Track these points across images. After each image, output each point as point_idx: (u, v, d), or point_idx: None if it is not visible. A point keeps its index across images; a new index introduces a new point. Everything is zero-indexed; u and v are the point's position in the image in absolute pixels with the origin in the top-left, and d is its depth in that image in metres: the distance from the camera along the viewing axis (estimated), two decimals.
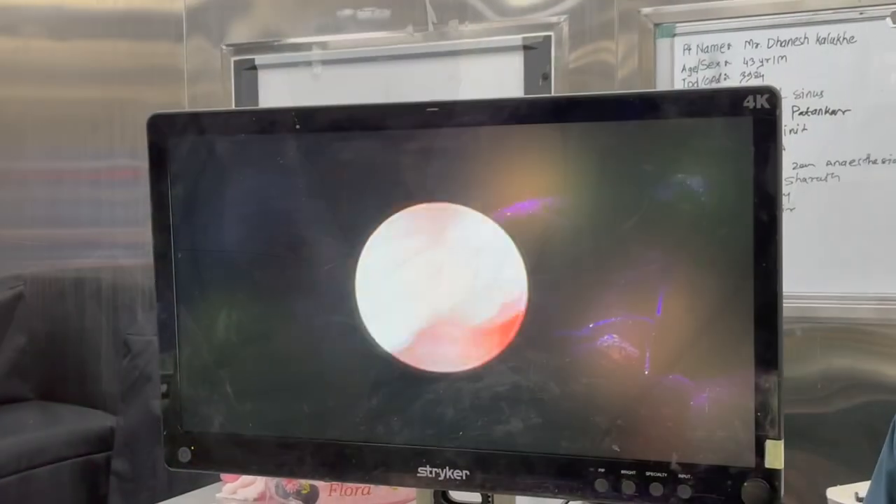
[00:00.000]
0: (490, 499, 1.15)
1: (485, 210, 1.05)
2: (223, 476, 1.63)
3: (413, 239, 1.07)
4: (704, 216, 0.98)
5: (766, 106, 0.96)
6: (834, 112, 2.55)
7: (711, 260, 0.98)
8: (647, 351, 1.01)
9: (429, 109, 1.07)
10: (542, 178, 1.04)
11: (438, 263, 1.07)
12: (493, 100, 1.05)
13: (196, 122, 1.14)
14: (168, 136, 1.15)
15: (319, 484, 1.54)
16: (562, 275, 1.03)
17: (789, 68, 2.57)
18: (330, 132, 1.10)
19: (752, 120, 0.96)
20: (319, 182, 1.10)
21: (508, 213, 1.04)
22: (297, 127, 1.11)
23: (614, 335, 1.02)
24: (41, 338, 3.50)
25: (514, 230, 1.04)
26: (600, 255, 1.02)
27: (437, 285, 1.07)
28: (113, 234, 3.48)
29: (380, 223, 1.08)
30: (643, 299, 1.00)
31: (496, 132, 1.05)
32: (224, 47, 3.26)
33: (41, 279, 3.56)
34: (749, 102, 0.96)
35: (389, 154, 1.08)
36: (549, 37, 2.83)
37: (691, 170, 0.99)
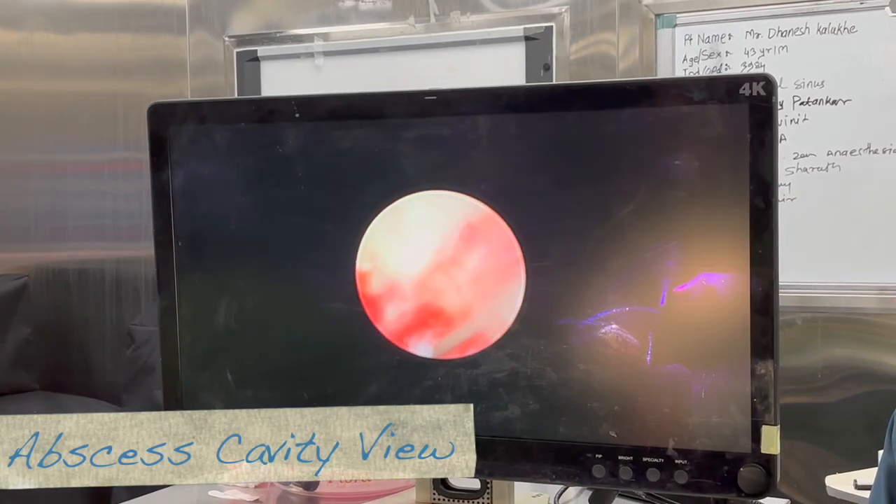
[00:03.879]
0: (488, 484, 1.16)
1: (483, 198, 1.05)
2: None
3: (412, 226, 1.08)
4: (701, 203, 0.99)
5: (763, 93, 0.96)
6: (835, 102, 2.55)
7: (708, 247, 0.99)
8: (645, 339, 1.01)
9: (427, 98, 1.07)
10: (540, 167, 1.04)
11: (437, 251, 1.07)
12: (490, 88, 1.06)
13: (196, 111, 1.15)
14: (168, 124, 1.15)
15: None
16: (559, 263, 1.04)
17: (790, 58, 2.57)
18: (329, 121, 1.11)
19: (748, 107, 0.96)
20: (319, 170, 1.11)
21: (505, 201, 1.05)
22: (297, 116, 1.11)
23: (612, 323, 1.02)
24: (45, 328, 3.51)
25: (512, 218, 1.05)
26: (597, 243, 1.02)
27: (435, 273, 1.08)
28: (116, 226, 3.49)
29: (379, 211, 1.09)
30: (638, 288, 1.01)
31: (494, 120, 1.05)
32: (226, 39, 3.26)
33: (45, 270, 3.57)
34: (745, 90, 0.96)
35: (388, 142, 1.08)
36: (551, 28, 2.83)
37: (688, 157, 0.99)
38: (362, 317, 1.09)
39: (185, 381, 1.17)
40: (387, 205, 1.08)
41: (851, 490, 1.60)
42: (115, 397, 3.28)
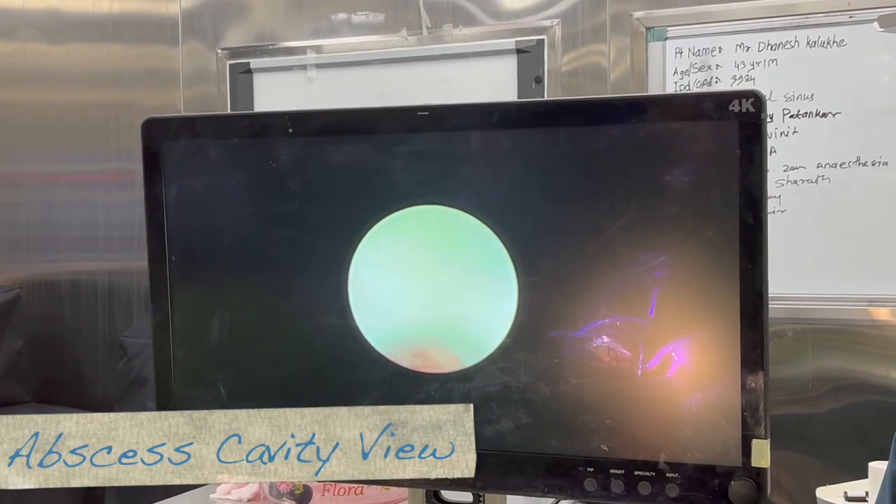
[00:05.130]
0: (481, 498, 1.16)
1: (475, 213, 1.06)
2: None
3: (404, 241, 1.09)
4: (691, 218, 1.00)
5: (752, 109, 0.97)
6: (824, 115, 2.56)
7: (698, 261, 1.00)
8: (634, 352, 1.02)
9: (419, 113, 1.08)
10: (532, 182, 1.05)
11: (429, 265, 1.08)
12: (482, 104, 1.07)
13: (190, 127, 1.16)
14: (162, 140, 1.16)
15: (312, 484, 1.55)
16: (551, 277, 1.04)
17: (780, 71, 2.59)
18: (322, 136, 1.11)
19: (737, 123, 0.97)
20: (312, 185, 1.12)
21: (498, 216, 1.06)
22: (290, 131, 1.12)
23: (603, 336, 1.03)
24: (37, 340, 3.51)
25: (505, 233, 1.05)
26: (589, 258, 1.03)
27: (427, 287, 1.08)
28: (108, 237, 3.48)
29: (372, 226, 1.09)
30: (633, 301, 1.02)
31: (486, 136, 1.06)
32: (219, 51, 3.27)
33: (37, 282, 3.57)
34: (734, 106, 0.97)
35: (381, 157, 1.09)
36: (542, 40, 2.85)
37: (678, 173, 1.00)
38: (355, 331, 1.10)
39: (178, 395, 1.17)
40: (380, 219, 1.09)
41: (842, 502, 1.60)
42: (108, 409, 3.27)
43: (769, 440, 0.99)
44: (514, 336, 1.05)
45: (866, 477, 1.57)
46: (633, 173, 1.01)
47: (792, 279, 2.56)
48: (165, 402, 1.18)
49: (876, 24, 2.25)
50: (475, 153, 1.06)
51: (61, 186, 3.56)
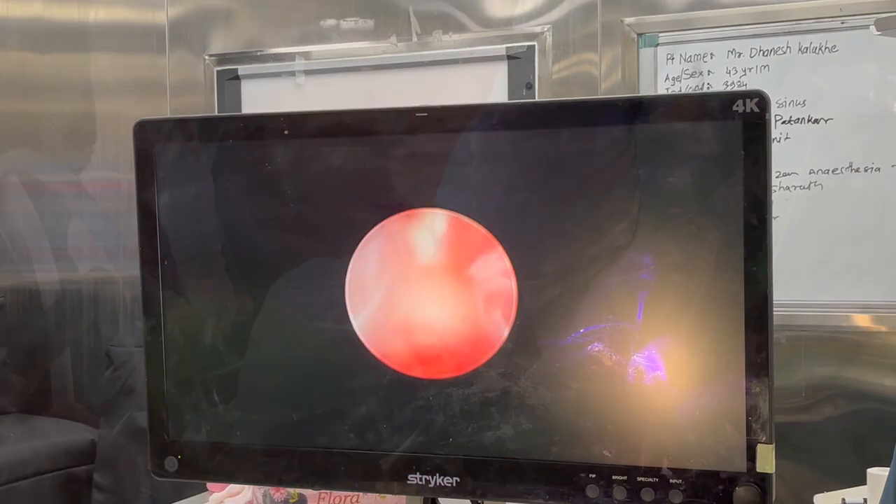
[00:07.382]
0: None
1: (474, 216, 1.05)
2: (209, 485, 1.62)
3: (402, 245, 1.07)
4: (695, 220, 0.98)
5: (756, 110, 0.96)
6: (816, 121, 2.56)
7: (702, 264, 0.98)
8: (637, 356, 1.01)
9: (418, 115, 1.07)
10: (532, 184, 1.04)
11: (428, 269, 1.07)
12: (482, 105, 1.05)
13: (183, 128, 1.14)
14: (155, 142, 1.14)
15: (308, 492, 1.53)
16: (551, 281, 1.03)
17: (772, 77, 2.59)
18: (318, 138, 1.10)
19: (741, 124, 0.96)
20: (308, 188, 1.10)
21: (497, 219, 1.04)
22: (286, 133, 1.10)
23: (604, 341, 1.01)
24: (22, 350, 3.48)
25: (504, 236, 1.04)
26: (590, 261, 1.02)
27: (426, 291, 1.07)
28: (93, 246, 3.46)
29: (369, 229, 1.08)
30: (633, 305, 1.00)
31: (485, 138, 1.05)
32: (207, 58, 3.25)
33: (21, 291, 3.54)
34: (738, 106, 0.96)
35: (378, 159, 1.08)
36: (533, 47, 2.84)
37: (681, 174, 0.99)
38: (352, 336, 1.08)
39: (170, 401, 1.15)
40: (377, 223, 1.08)
41: None
42: (93, 419, 3.25)
43: (774, 445, 0.98)
44: (513, 341, 1.04)
45: (859, 485, 1.56)
46: (636, 175, 1.00)
47: (786, 286, 2.56)
48: (157, 409, 1.16)
49: (872, 27, 2.26)
50: (474, 155, 1.05)
51: (46, 195, 3.54)
